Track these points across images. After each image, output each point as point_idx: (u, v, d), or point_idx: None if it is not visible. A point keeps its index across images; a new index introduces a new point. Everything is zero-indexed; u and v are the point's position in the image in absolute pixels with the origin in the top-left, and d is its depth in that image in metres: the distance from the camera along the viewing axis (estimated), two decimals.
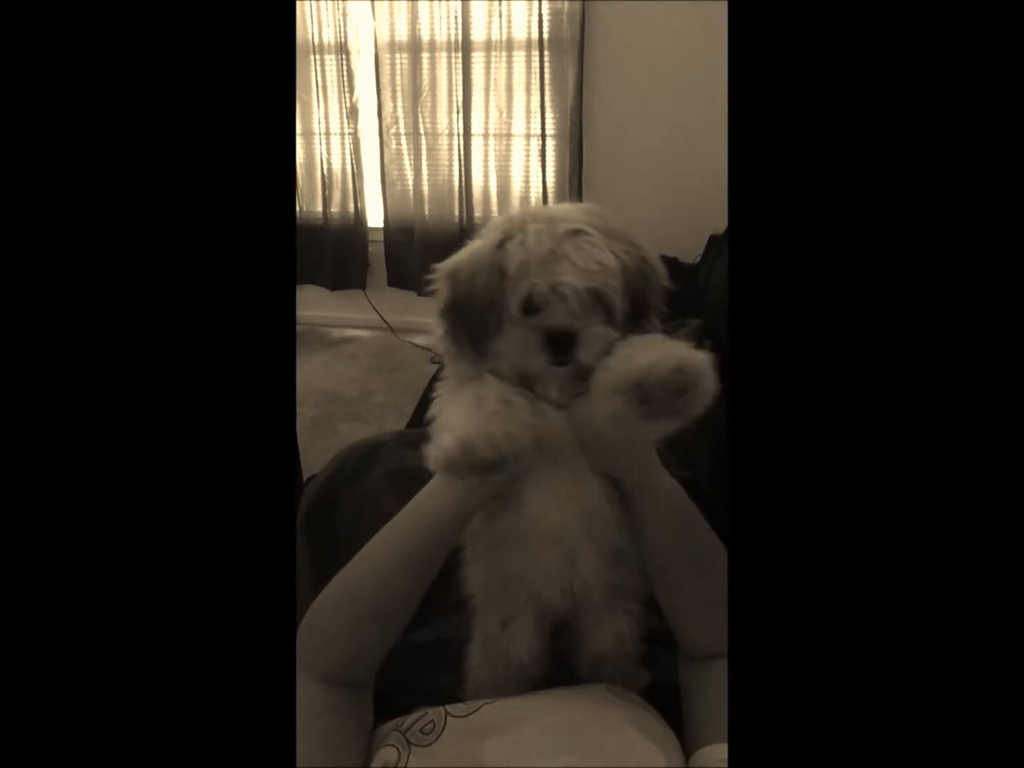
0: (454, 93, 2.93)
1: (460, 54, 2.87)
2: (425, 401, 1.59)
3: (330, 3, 2.93)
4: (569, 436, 0.64)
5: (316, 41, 2.99)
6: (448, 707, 0.69)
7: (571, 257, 0.58)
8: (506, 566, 0.71)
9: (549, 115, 2.86)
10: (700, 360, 0.56)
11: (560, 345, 0.59)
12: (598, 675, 0.76)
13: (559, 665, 0.78)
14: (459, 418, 0.59)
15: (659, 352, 0.56)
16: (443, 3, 2.82)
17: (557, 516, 0.66)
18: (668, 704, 0.73)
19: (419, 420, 1.52)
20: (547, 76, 2.81)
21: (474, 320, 0.62)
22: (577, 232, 0.59)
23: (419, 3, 2.84)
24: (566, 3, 2.69)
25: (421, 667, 0.81)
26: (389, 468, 1.11)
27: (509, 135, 2.96)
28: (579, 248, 0.59)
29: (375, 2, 2.88)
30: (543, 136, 2.89)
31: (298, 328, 2.79)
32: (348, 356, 3.09)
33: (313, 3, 2.93)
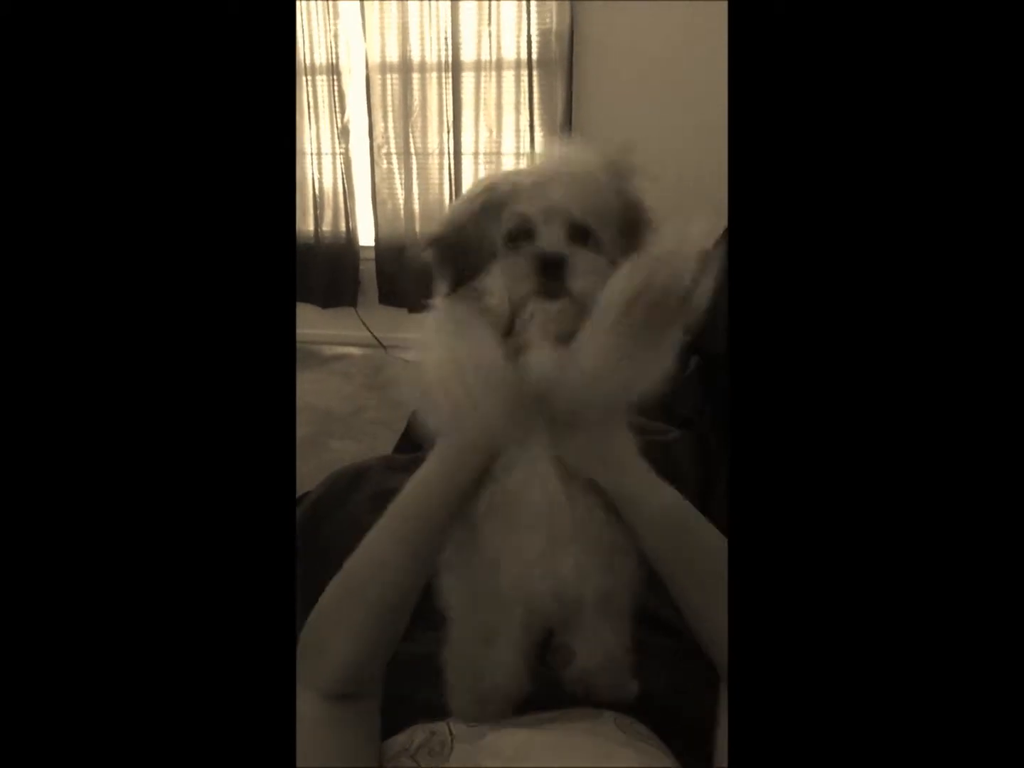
0: (444, 113, 2.97)
1: (450, 74, 2.91)
2: (415, 419, 1.60)
3: (321, 24, 2.96)
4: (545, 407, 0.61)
5: (308, 62, 3.02)
6: (451, 726, 0.68)
7: (562, 181, 0.58)
8: (492, 568, 0.68)
9: (538, 134, 2.89)
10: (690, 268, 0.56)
11: (551, 271, 0.57)
12: (588, 687, 0.75)
13: (545, 676, 0.77)
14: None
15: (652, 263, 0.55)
16: (433, 25, 2.85)
17: (537, 501, 0.65)
18: (657, 714, 0.73)
19: (409, 438, 1.53)
20: (536, 96, 2.85)
21: (462, 255, 0.61)
22: (571, 160, 0.60)
23: (409, 24, 2.88)
24: (554, 24, 2.73)
25: (413, 680, 0.80)
26: (375, 491, 1.11)
27: (499, 154, 2.99)
28: (570, 176, 0.59)
29: (366, 23, 2.92)
30: (533, 155, 2.92)
31: None
32: (339, 373, 3.09)
33: (305, 24, 2.96)
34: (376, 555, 0.68)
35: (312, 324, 3.32)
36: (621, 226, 0.60)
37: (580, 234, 0.59)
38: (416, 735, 0.68)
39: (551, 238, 0.58)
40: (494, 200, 0.60)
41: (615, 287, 0.56)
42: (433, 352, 0.60)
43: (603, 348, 0.56)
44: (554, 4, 2.71)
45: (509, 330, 0.60)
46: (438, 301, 0.64)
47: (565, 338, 0.58)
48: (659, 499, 0.67)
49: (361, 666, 0.67)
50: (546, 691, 0.75)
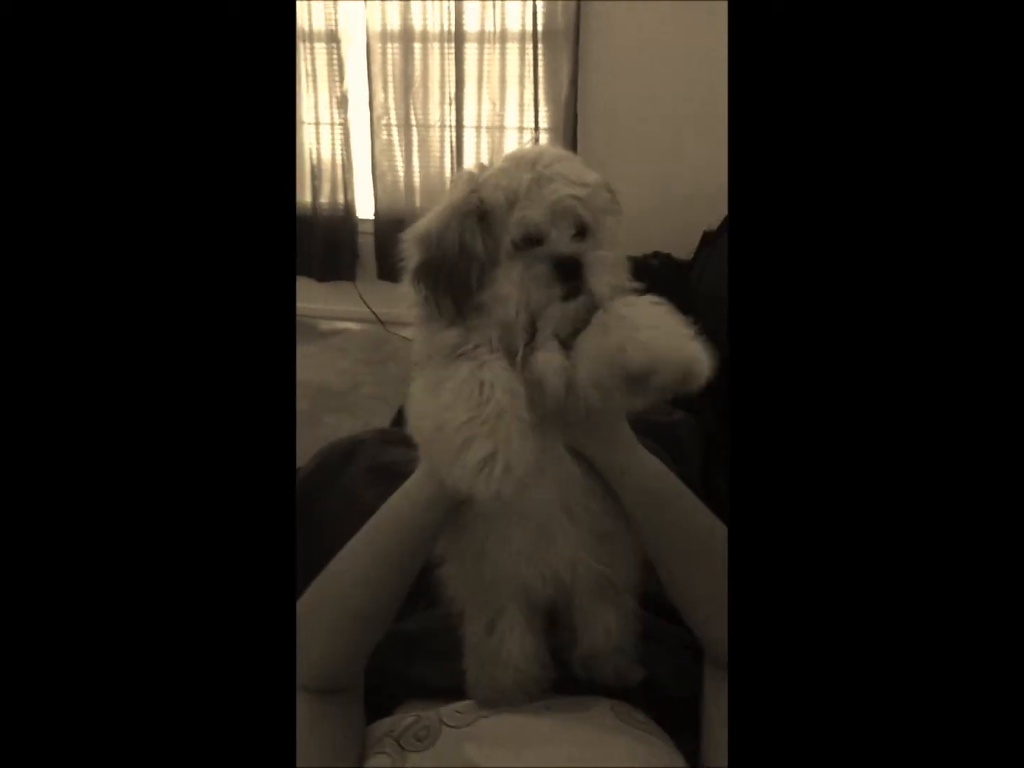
0: (447, 84, 2.91)
1: (453, 45, 2.85)
2: None
3: None
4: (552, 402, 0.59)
5: (306, 28, 2.96)
6: (442, 712, 0.67)
7: (562, 174, 0.56)
8: (482, 553, 0.68)
9: (543, 108, 2.85)
10: (699, 360, 0.54)
11: (569, 273, 0.56)
12: (592, 672, 0.75)
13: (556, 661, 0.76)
14: (460, 418, 0.54)
15: (660, 344, 0.53)
16: None
17: (535, 485, 0.62)
18: (664, 703, 0.72)
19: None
20: (541, 69, 2.79)
21: (455, 275, 0.57)
22: (551, 157, 0.57)
23: None
24: None
25: (408, 657, 0.80)
26: (370, 464, 1.10)
27: (502, 128, 2.94)
28: (564, 166, 0.57)
29: None
30: (536, 129, 2.86)
31: None
32: (336, 348, 3.07)
33: None
34: (355, 569, 0.68)
35: (309, 298, 3.29)
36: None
37: (584, 231, 0.58)
38: (402, 719, 0.68)
39: (562, 240, 0.57)
40: (483, 208, 0.57)
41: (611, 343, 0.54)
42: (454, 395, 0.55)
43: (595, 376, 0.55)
44: None
45: (531, 337, 0.58)
46: (426, 344, 0.61)
47: (573, 337, 0.58)
48: (645, 470, 0.66)
49: (341, 666, 0.67)
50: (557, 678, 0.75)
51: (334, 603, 0.67)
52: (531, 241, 0.56)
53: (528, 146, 0.63)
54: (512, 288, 0.56)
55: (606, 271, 0.57)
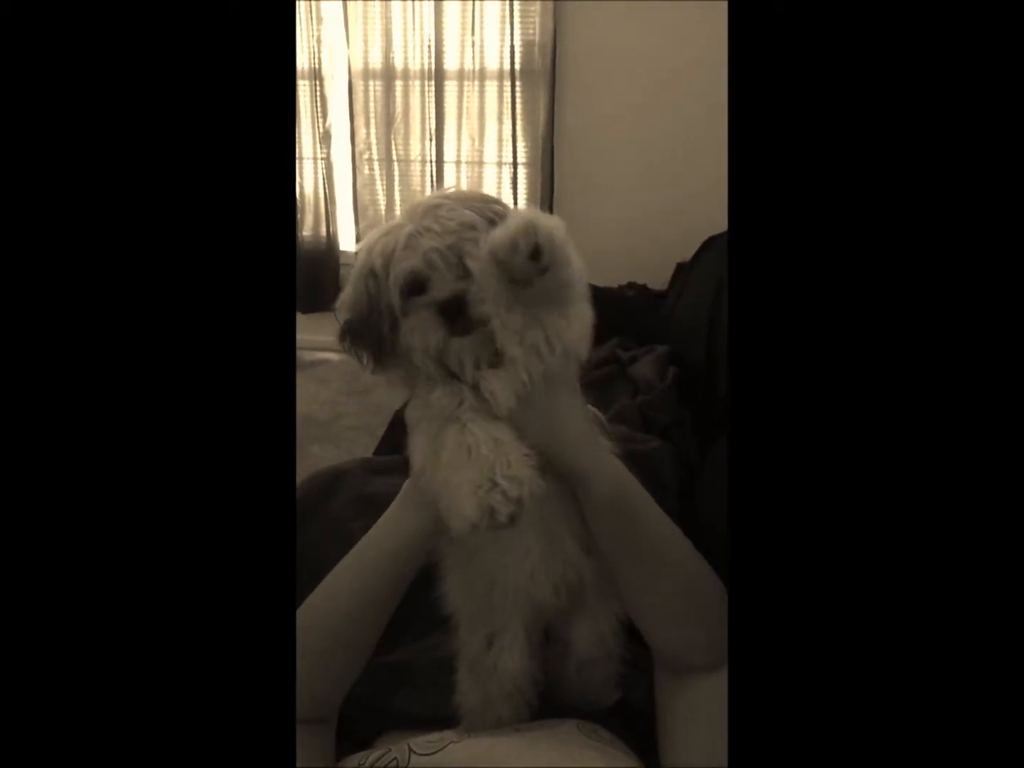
0: (427, 120, 2.97)
1: (433, 82, 2.91)
2: (395, 424, 1.60)
3: (304, 29, 2.96)
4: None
5: None
6: (413, 743, 0.67)
7: (431, 228, 0.60)
8: (490, 567, 0.69)
9: (521, 143, 2.90)
10: (546, 221, 0.56)
11: (452, 312, 0.60)
12: (584, 682, 0.75)
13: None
14: (459, 474, 0.58)
15: (510, 221, 0.57)
16: (416, 32, 2.86)
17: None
18: (631, 720, 0.73)
19: (389, 443, 1.53)
20: (519, 105, 2.85)
21: (367, 331, 0.63)
22: (432, 207, 0.62)
23: (393, 31, 2.88)
24: (537, 36, 2.75)
25: (386, 690, 0.81)
26: (354, 494, 1.11)
27: (481, 163, 2.99)
28: (437, 218, 0.61)
29: (349, 29, 2.91)
30: (515, 164, 2.92)
31: None
32: (319, 379, 3.07)
33: None
34: (340, 599, 0.69)
35: None
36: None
37: (464, 267, 0.60)
38: (371, 753, 0.67)
39: (444, 282, 0.60)
40: (374, 267, 0.61)
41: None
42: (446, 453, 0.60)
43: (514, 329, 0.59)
44: (538, 15, 2.72)
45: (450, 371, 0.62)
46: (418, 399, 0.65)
47: (497, 358, 0.61)
48: (607, 474, 0.66)
49: (323, 695, 0.68)
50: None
51: (319, 632, 0.67)
52: (417, 289, 0.61)
53: (430, 193, 0.68)
54: (410, 335, 0.61)
55: (490, 300, 0.59)
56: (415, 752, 0.65)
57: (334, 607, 0.68)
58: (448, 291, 0.60)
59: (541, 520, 0.66)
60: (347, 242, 3.26)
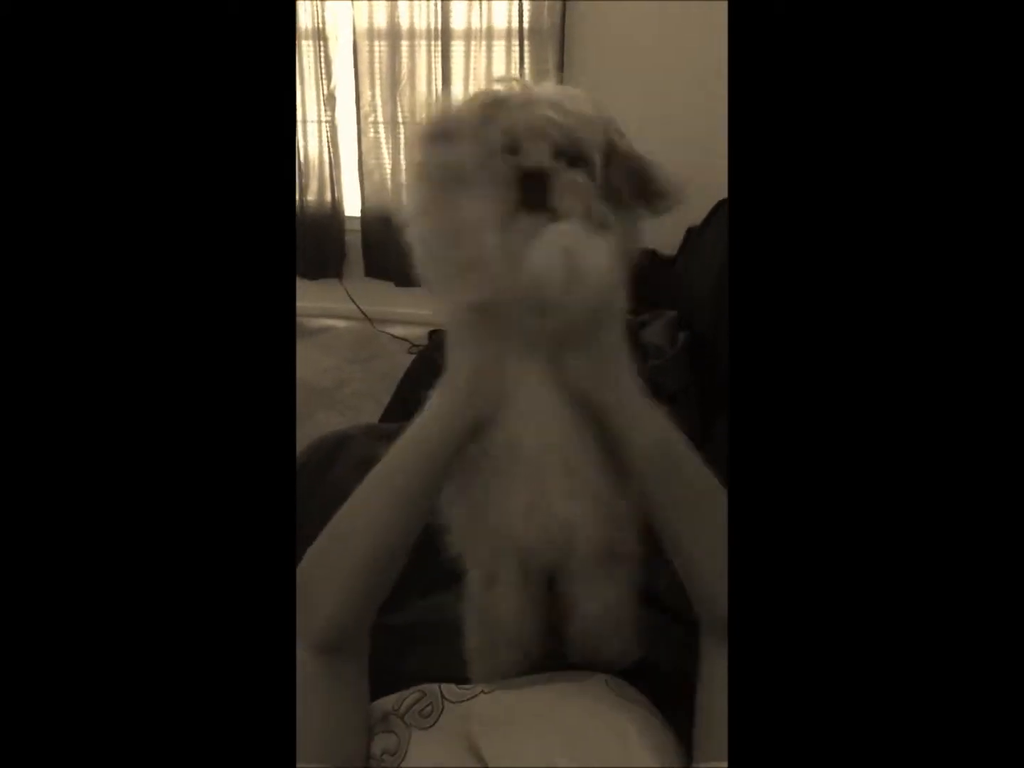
0: (433, 82, 2.91)
1: (439, 43, 2.85)
2: (401, 391, 1.60)
3: None
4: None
5: None
6: (443, 688, 0.68)
7: (553, 100, 0.59)
8: (482, 504, 0.68)
9: None
10: (589, 258, 0.57)
11: (532, 185, 0.58)
12: (588, 645, 0.75)
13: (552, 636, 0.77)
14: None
15: (549, 251, 0.56)
16: None
17: (533, 441, 0.64)
18: (659, 681, 0.72)
19: (395, 411, 1.53)
20: (527, 66, 2.80)
21: (456, 157, 0.60)
22: (560, 89, 0.62)
23: None
24: None
25: (398, 650, 0.81)
26: (358, 459, 1.09)
27: None
28: (562, 95, 0.60)
29: None
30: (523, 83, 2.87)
31: None
32: (323, 346, 3.07)
33: None
34: (366, 507, 0.67)
35: (296, 295, 3.28)
36: (615, 168, 0.62)
37: (566, 156, 0.59)
38: (406, 695, 0.68)
39: (535, 154, 0.59)
40: (490, 113, 0.60)
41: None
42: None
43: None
44: None
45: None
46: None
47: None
48: (652, 424, 0.65)
49: (348, 619, 0.65)
50: (550, 652, 0.76)
51: (344, 552, 0.65)
52: (508, 152, 0.59)
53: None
54: (481, 188, 0.59)
55: (574, 194, 0.59)
56: (447, 699, 0.67)
57: (363, 519, 0.66)
58: (535, 161, 0.59)
59: (533, 455, 0.65)
60: (352, 207, 3.22)
